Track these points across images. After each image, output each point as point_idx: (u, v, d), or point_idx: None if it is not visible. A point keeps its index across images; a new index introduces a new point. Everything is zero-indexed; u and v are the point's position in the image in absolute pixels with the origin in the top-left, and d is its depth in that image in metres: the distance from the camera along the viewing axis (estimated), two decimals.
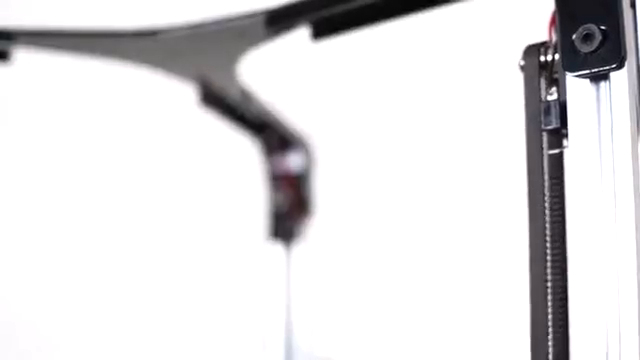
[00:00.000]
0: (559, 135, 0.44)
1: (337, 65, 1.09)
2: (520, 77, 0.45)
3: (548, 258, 0.44)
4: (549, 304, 0.43)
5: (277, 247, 0.86)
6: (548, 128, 0.44)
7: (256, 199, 0.88)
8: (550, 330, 0.43)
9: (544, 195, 0.44)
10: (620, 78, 0.41)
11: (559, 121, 0.43)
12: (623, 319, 0.40)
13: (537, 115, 0.44)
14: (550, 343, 0.43)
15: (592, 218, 0.41)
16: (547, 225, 0.44)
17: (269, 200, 0.86)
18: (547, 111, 0.44)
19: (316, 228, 0.88)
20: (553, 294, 0.43)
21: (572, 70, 0.42)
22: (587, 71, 0.41)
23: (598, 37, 0.41)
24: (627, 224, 0.41)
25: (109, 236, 1.17)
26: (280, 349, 0.86)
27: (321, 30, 0.59)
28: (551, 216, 0.44)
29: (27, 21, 0.65)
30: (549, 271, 0.43)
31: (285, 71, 1.10)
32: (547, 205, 0.44)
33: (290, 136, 0.85)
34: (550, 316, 0.43)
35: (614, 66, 0.41)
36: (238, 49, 0.65)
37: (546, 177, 0.44)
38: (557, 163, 0.44)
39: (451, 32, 1.02)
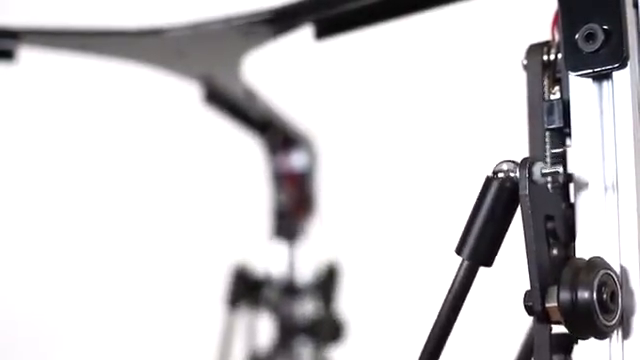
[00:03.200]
0: (562, 134, 0.44)
1: (340, 64, 1.09)
2: (523, 76, 0.46)
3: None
4: None
5: (280, 245, 0.86)
6: (551, 127, 0.44)
7: (259, 198, 0.88)
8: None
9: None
10: (622, 77, 0.41)
11: (562, 120, 0.44)
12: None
13: (540, 114, 0.44)
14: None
15: (595, 217, 0.42)
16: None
17: (272, 199, 0.86)
18: (550, 110, 0.44)
19: (319, 226, 0.88)
20: None
21: (575, 69, 0.42)
22: (590, 70, 0.41)
23: (600, 37, 0.40)
24: (630, 222, 0.41)
25: (113, 234, 1.17)
26: None
27: (324, 30, 0.59)
28: None
29: (31, 20, 0.65)
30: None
31: (288, 70, 1.10)
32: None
33: (293, 135, 0.85)
34: None
35: (616, 65, 0.40)
36: (242, 48, 0.65)
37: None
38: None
39: (454, 31, 1.02)
